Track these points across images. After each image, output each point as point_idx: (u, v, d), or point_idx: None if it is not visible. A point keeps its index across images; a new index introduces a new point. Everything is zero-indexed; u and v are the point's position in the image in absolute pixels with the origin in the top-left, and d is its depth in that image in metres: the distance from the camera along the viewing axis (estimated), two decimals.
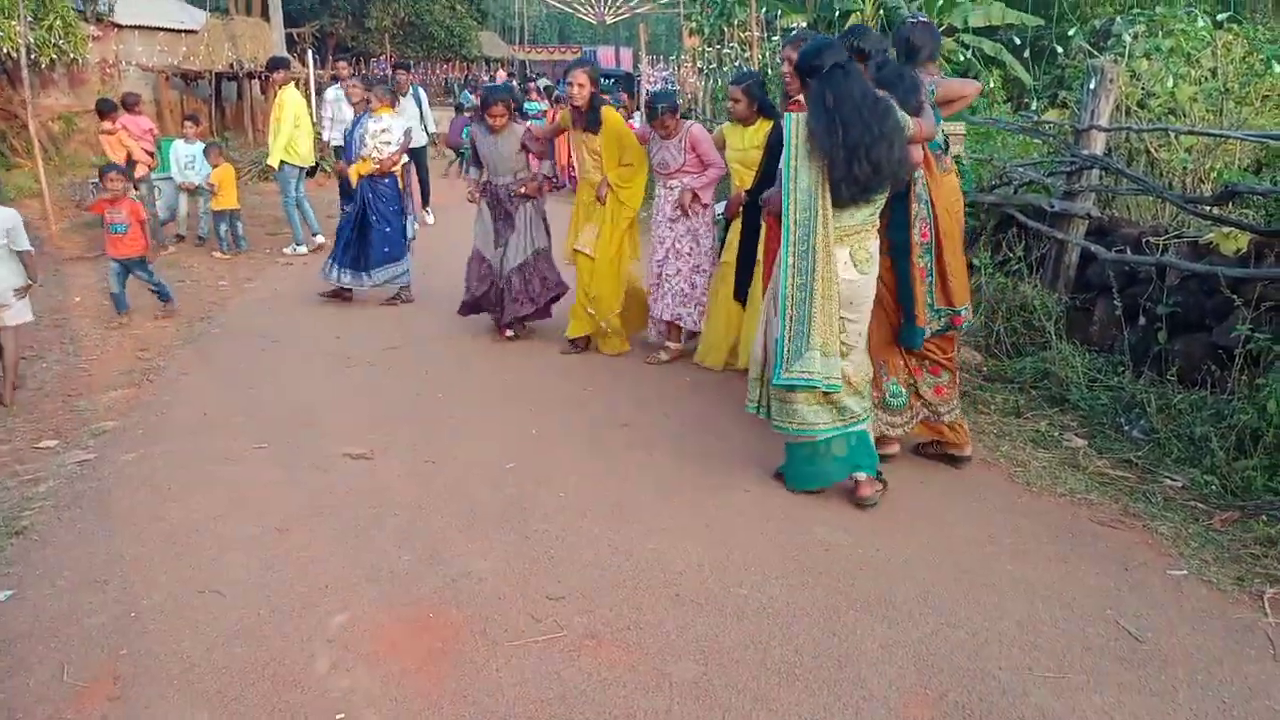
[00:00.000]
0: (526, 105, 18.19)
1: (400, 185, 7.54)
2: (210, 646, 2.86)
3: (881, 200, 3.79)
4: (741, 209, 5.45)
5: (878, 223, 3.84)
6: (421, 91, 11.44)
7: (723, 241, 5.77)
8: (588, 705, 2.62)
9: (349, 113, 8.70)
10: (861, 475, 3.93)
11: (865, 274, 3.79)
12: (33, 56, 13.40)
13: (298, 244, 9.66)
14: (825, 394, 3.82)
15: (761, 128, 5.35)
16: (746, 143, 5.42)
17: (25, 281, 5.19)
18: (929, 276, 4.12)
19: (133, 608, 3.06)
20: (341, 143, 8.93)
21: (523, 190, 6.27)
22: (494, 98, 6.26)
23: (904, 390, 4.27)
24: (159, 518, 3.72)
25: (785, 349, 3.73)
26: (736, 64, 11.04)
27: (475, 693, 2.67)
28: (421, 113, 11.02)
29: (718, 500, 3.96)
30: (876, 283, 3.89)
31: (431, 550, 3.50)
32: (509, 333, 6.47)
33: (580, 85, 5.83)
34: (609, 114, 5.90)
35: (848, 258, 3.73)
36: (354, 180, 7.15)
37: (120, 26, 19.74)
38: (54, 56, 15.65)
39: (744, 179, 5.45)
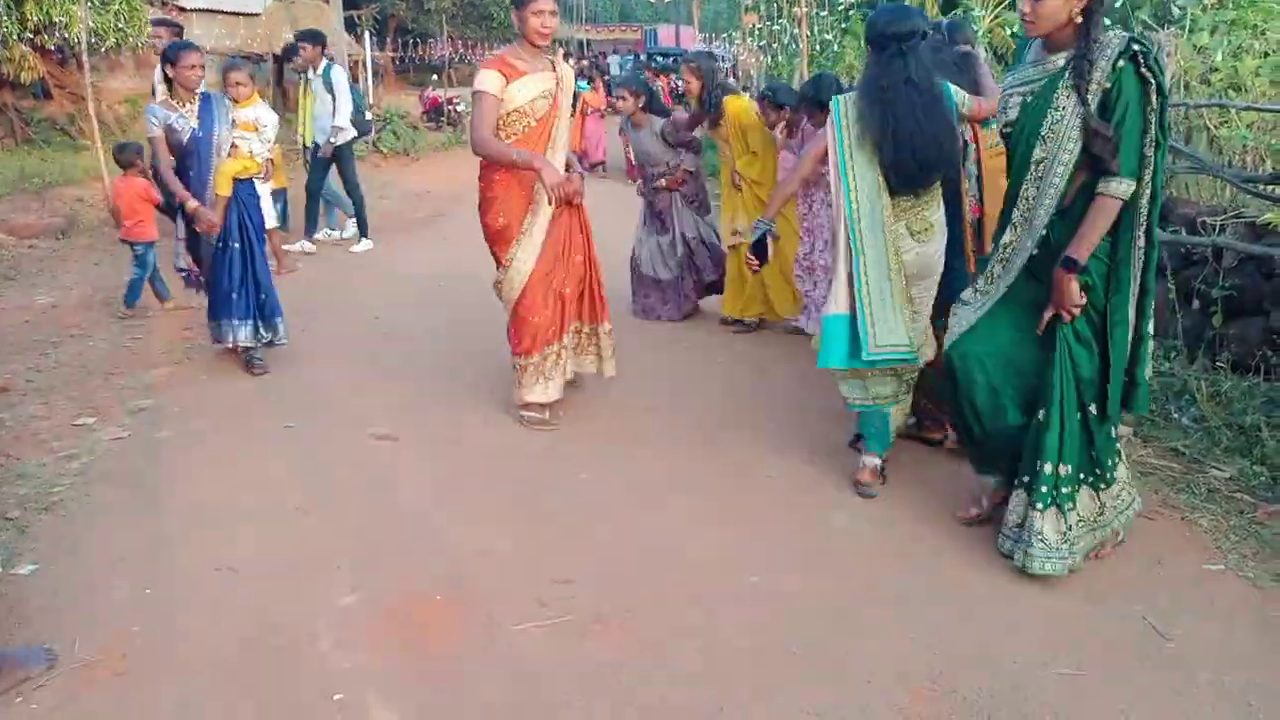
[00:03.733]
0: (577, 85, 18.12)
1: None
2: (218, 624, 2.88)
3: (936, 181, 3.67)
4: None
5: (938, 193, 3.69)
6: (338, 71, 8.51)
7: None
8: (588, 690, 2.59)
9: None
10: (867, 462, 3.86)
11: (924, 243, 3.65)
12: (94, 41, 13.68)
13: (330, 229, 9.40)
14: (893, 366, 3.72)
15: None
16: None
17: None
18: (975, 252, 4.00)
19: (148, 584, 3.10)
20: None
21: (663, 184, 6.30)
22: (617, 82, 6.33)
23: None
24: (184, 495, 3.78)
25: (870, 326, 3.57)
26: (786, 40, 10.86)
27: (480, 674, 2.66)
28: (335, 101, 8.37)
29: (740, 485, 3.90)
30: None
31: (445, 532, 3.50)
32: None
33: (688, 81, 6.00)
34: (729, 104, 5.95)
35: (904, 230, 3.60)
36: (223, 192, 5.12)
37: (184, 9, 20.12)
38: (119, 40, 15.97)
39: None
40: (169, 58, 5.01)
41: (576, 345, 4.67)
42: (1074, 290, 2.94)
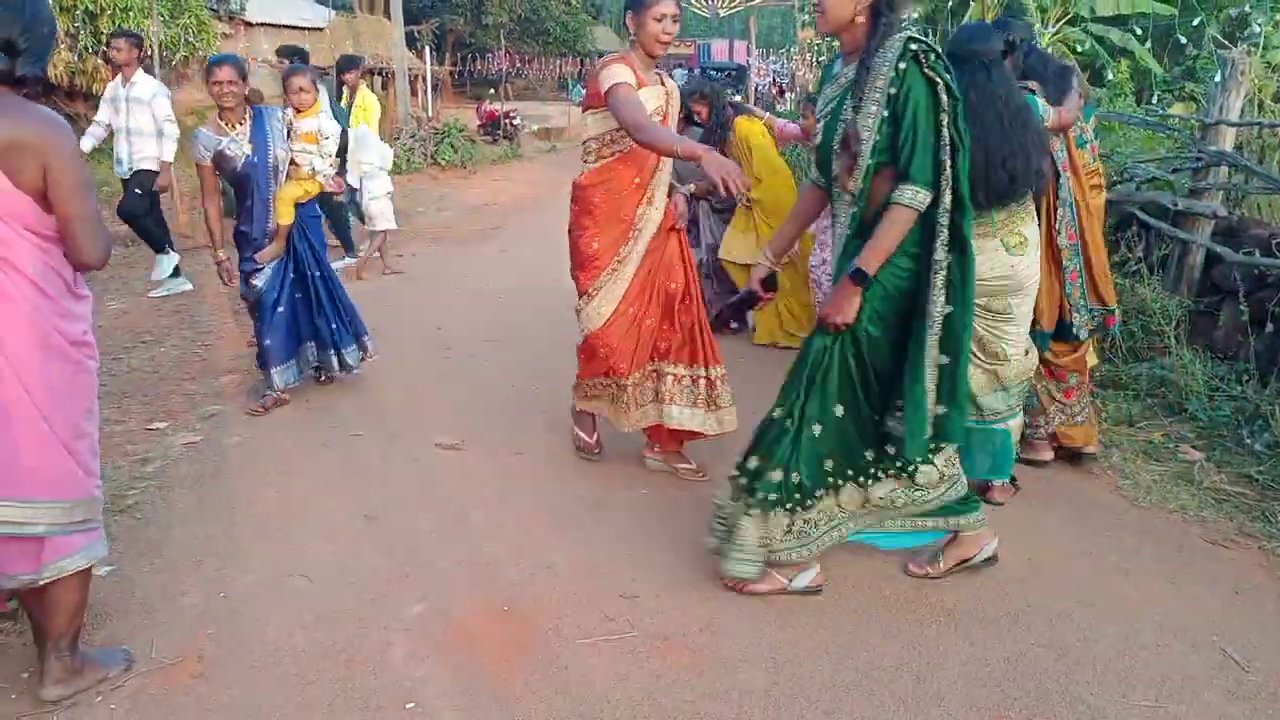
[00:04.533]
0: None
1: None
2: (292, 630, 2.93)
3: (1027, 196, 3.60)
4: None
5: (1031, 207, 3.60)
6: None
7: None
8: (653, 708, 2.59)
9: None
10: (996, 481, 3.82)
11: (1019, 256, 3.51)
12: (165, 54, 14.05)
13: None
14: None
15: None
16: None
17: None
18: (1080, 277, 3.98)
19: (223, 589, 3.16)
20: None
21: (694, 193, 6.16)
22: (686, 91, 6.04)
23: (1035, 394, 4.10)
24: (255, 501, 3.85)
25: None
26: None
27: (544, 689, 2.67)
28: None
29: None
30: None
31: (512, 543, 3.52)
32: (734, 325, 6.38)
33: (697, 111, 5.97)
34: (740, 124, 5.98)
35: (999, 245, 3.50)
36: (284, 220, 4.73)
37: (250, 24, 20.60)
38: (187, 54, 16.37)
39: None
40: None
41: (675, 393, 3.98)
42: (852, 304, 2.80)
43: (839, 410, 2.92)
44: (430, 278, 8.37)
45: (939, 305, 2.76)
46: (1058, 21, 11.68)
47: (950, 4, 11.79)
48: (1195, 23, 7.02)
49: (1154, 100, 8.47)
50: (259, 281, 4.78)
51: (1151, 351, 5.30)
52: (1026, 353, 3.64)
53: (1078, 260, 3.95)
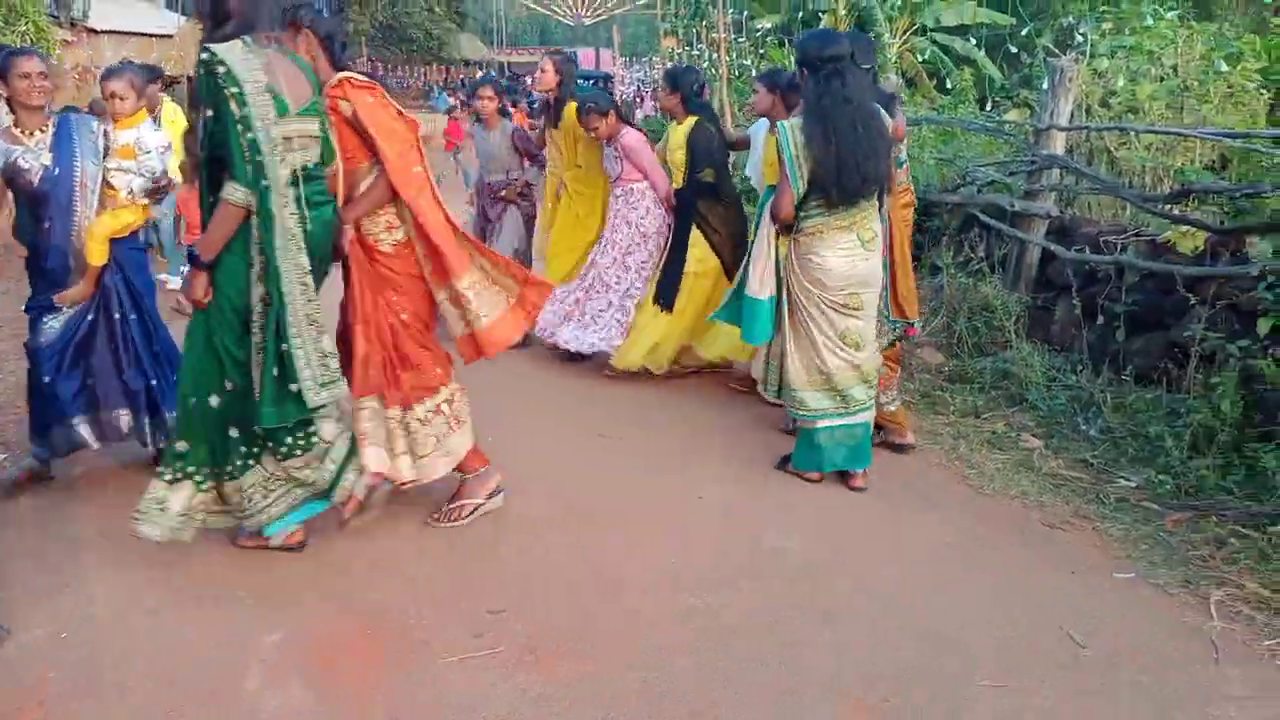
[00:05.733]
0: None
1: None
2: (146, 663, 2.81)
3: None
4: (675, 210, 5.38)
5: (876, 205, 3.94)
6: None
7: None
8: None
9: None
10: (857, 470, 4.09)
11: (873, 252, 3.92)
12: None
13: None
14: (827, 379, 3.96)
15: (685, 124, 5.28)
16: (672, 141, 5.37)
17: None
18: (885, 289, 4.19)
19: (68, 624, 3.01)
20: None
21: (503, 195, 6.21)
22: (482, 80, 6.23)
23: None
24: (103, 533, 3.66)
25: None
26: (705, 65, 11.05)
27: (409, 711, 2.63)
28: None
29: (674, 508, 3.94)
30: None
31: (377, 561, 3.45)
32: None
33: (544, 71, 5.85)
34: (570, 109, 5.65)
35: (854, 240, 3.85)
36: (95, 260, 3.84)
37: (94, 31, 19.59)
38: None
39: (674, 179, 5.39)
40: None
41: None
42: (197, 284, 3.06)
43: (228, 385, 3.18)
44: None
45: (258, 293, 3.08)
46: (905, 32, 12.20)
47: (802, 15, 12.16)
48: (1024, 32, 7.45)
49: (992, 106, 8.91)
50: (55, 325, 3.87)
51: (995, 346, 5.58)
52: (875, 342, 4.01)
53: (885, 274, 4.13)
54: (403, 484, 3.62)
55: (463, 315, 3.49)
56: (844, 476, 4.12)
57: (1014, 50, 8.88)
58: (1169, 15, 6.84)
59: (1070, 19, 9.36)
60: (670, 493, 4.11)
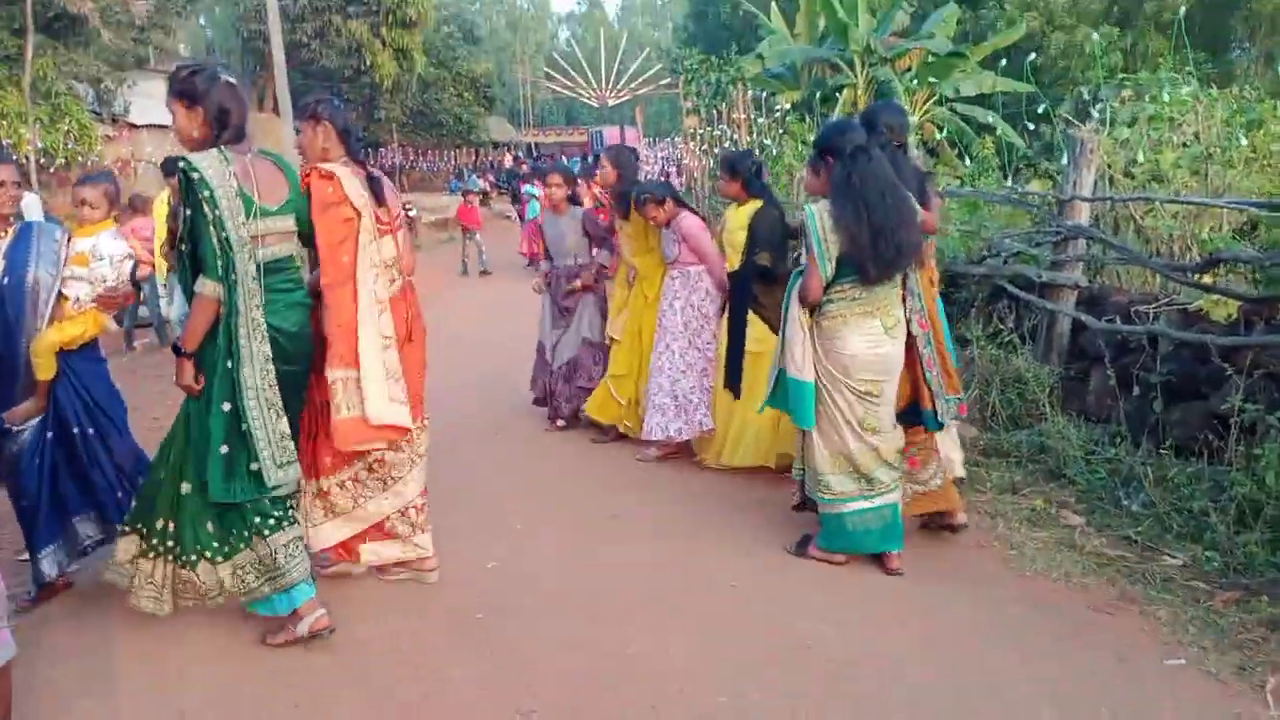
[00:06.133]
0: (525, 189, 18.55)
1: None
2: None
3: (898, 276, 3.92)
4: (730, 292, 5.37)
5: (899, 290, 3.95)
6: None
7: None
8: None
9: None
10: (892, 551, 4.02)
11: (896, 339, 3.92)
12: (44, 160, 13.74)
13: None
14: (850, 461, 3.92)
15: (748, 207, 5.29)
16: (732, 223, 5.37)
17: None
18: (935, 367, 4.11)
19: None
20: None
21: (578, 285, 6.25)
22: (551, 168, 6.41)
23: None
24: (135, 627, 3.65)
25: None
26: (727, 144, 11.20)
27: None
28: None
29: (702, 597, 3.87)
30: None
31: (408, 659, 3.41)
32: (560, 423, 6.39)
33: (603, 168, 6.09)
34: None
35: (877, 326, 3.86)
36: (43, 375, 3.72)
37: (134, 126, 20.28)
38: (68, 158, 16.02)
39: (731, 260, 5.38)
40: None
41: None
42: (184, 373, 3.28)
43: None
44: None
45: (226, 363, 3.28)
46: (925, 103, 12.33)
47: (820, 93, 12.33)
48: (1040, 109, 7.50)
49: (1014, 174, 8.93)
50: (13, 446, 3.74)
51: (1029, 419, 5.50)
52: (894, 426, 3.97)
53: (930, 349, 4.09)
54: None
55: (331, 400, 3.61)
56: (878, 559, 4.03)
57: (1031, 126, 8.92)
58: (1188, 86, 6.84)
59: (1088, 87, 9.41)
60: (691, 576, 4.06)
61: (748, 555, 4.24)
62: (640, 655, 3.40)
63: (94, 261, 3.85)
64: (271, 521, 3.37)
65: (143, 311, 9.71)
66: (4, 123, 13.66)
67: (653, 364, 5.66)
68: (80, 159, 16.28)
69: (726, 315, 5.38)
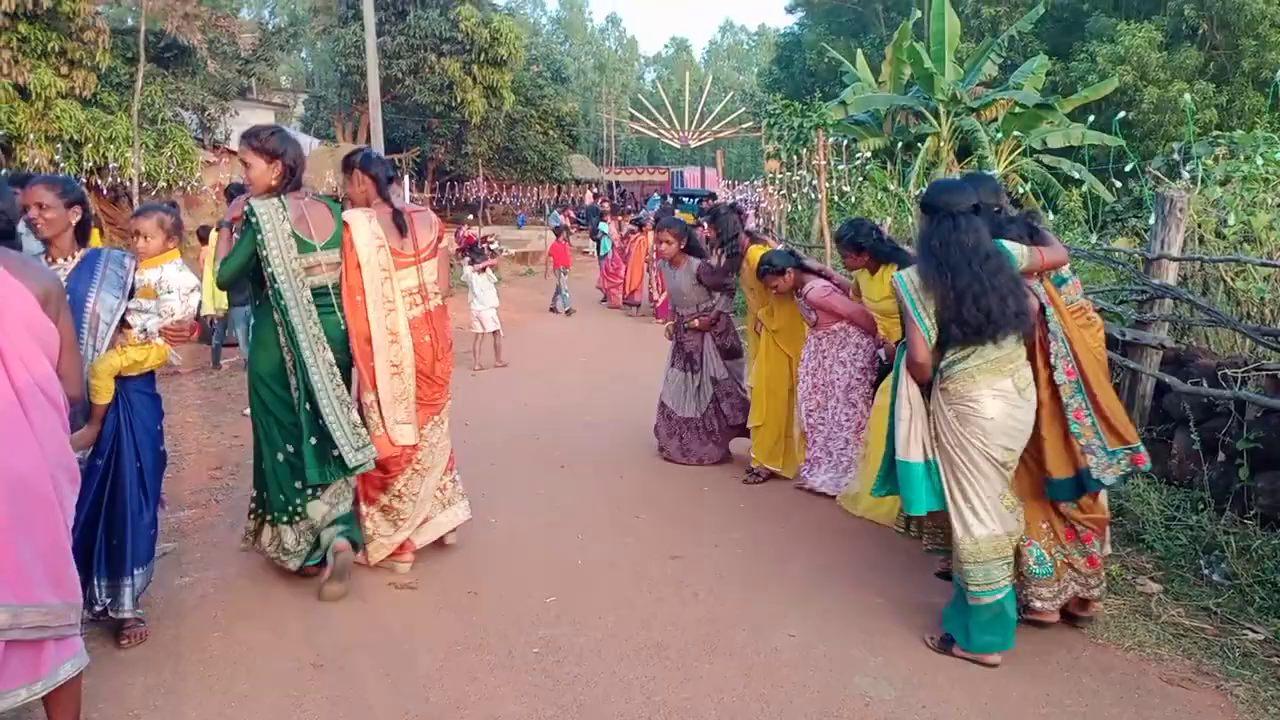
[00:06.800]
0: (600, 226, 18.77)
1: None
2: None
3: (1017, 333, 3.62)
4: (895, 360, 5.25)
5: (1024, 349, 3.67)
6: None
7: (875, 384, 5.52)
8: None
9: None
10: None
11: (1028, 401, 3.63)
12: (146, 183, 14.35)
13: None
14: (1008, 542, 3.64)
15: (886, 273, 5.06)
16: (876, 293, 5.24)
17: None
18: (1088, 416, 3.76)
19: None
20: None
21: (694, 325, 6.39)
22: (661, 224, 6.54)
23: (1049, 557, 3.83)
24: (201, 648, 3.76)
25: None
26: (806, 190, 11.19)
27: None
28: None
29: (759, 644, 3.83)
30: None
31: (461, 693, 3.44)
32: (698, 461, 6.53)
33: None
34: (750, 253, 6.05)
35: (1010, 386, 3.59)
36: (100, 399, 3.63)
37: (233, 152, 21.07)
38: (169, 182, 16.69)
39: (887, 328, 5.23)
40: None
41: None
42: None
43: (289, 447, 4.16)
44: None
45: (293, 381, 4.09)
46: (1011, 153, 12.17)
47: (903, 141, 12.26)
48: (1128, 168, 7.35)
49: (1100, 230, 8.75)
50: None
51: None
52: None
53: (1080, 397, 3.73)
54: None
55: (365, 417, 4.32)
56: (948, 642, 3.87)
57: (1118, 184, 8.74)
58: None
59: (1180, 144, 9.21)
60: (750, 623, 4.02)
61: (807, 604, 4.19)
62: (694, 704, 3.37)
63: (163, 295, 3.84)
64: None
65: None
66: (112, 147, 14.32)
67: (803, 417, 5.77)
68: (180, 183, 16.97)
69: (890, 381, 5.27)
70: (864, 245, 5.19)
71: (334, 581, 4.17)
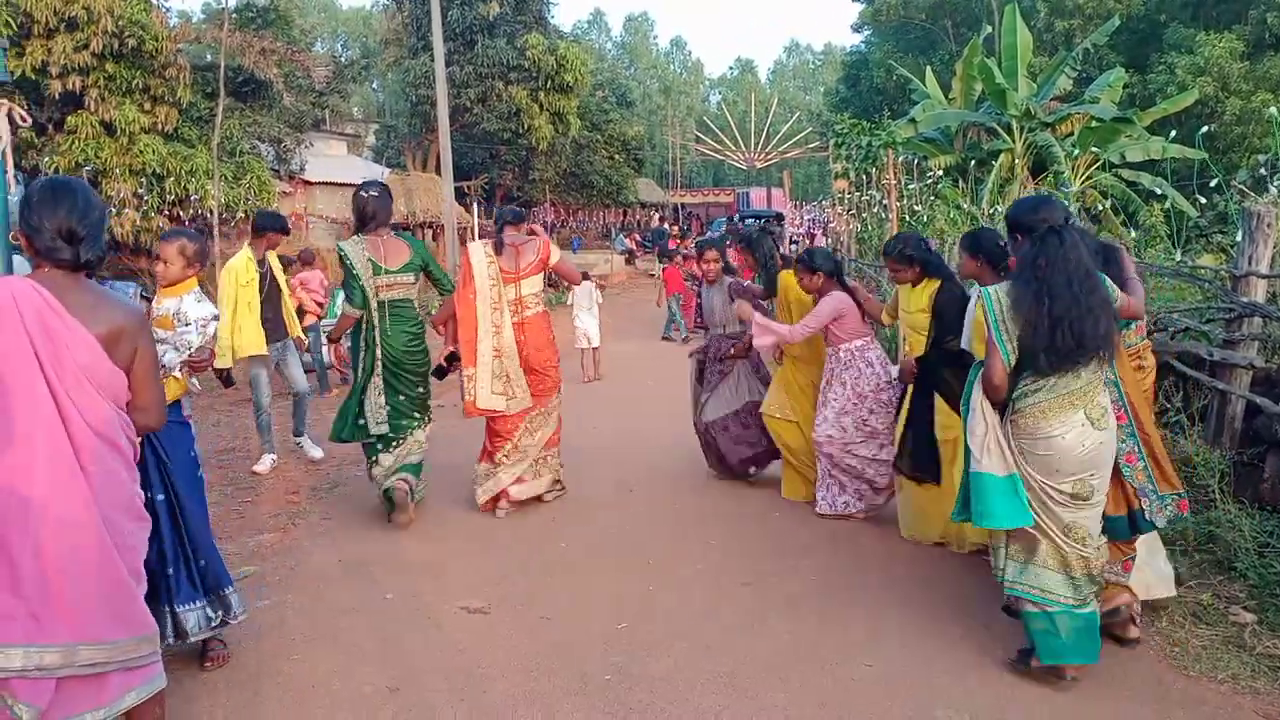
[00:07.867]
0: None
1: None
2: None
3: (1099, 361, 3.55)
4: (914, 376, 5.13)
5: (1102, 377, 3.60)
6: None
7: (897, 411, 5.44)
8: None
9: None
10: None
11: (1103, 429, 3.55)
12: (225, 214, 14.77)
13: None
14: (1065, 559, 3.60)
15: (927, 288, 5.07)
16: (912, 304, 5.19)
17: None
18: (1140, 460, 3.78)
19: None
20: None
21: (731, 353, 6.42)
22: (705, 244, 6.66)
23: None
24: (280, 671, 3.82)
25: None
26: (876, 209, 11.08)
27: None
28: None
29: (836, 674, 3.76)
30: None
31: (536, 717, 3.44)
32: (752, 469, 6.53)
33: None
34: (783, 278, 6.08)
35: (1081, 418, 3.51)
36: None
37: (308, 183, 21.65)
38: (247, 212, 17.17)
39: (914, 343, 5.17)
40: None
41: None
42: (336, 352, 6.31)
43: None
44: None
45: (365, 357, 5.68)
46: (1087, 168, 11.90)
47: (976, 157, 12.06)
48: (1212, 183, 7.10)
49: (1184, 246, 8.49)
50: None
51: (1197, 505, 5.15)
52: (1101, 535, 3.63)
53: (1133, 441, 3.76)
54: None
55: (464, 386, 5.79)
56: (1026, 655, 3.78)
57: (1202, 199, 8.47)
58: None
59: (1266, 156, 8.91)
60: (825, 650, 3.96)
61: (883, 633, 4.11)
62: None
63: (180, 326, 3.76)
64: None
65: (305, 358, 10.25)
66: (193, 180, 14.79)
67: (818, 439, 5.68)
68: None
69: (908, 402, 5.19)
70: (915, 257, 5.10)
71: (400, 511, 5.57)
